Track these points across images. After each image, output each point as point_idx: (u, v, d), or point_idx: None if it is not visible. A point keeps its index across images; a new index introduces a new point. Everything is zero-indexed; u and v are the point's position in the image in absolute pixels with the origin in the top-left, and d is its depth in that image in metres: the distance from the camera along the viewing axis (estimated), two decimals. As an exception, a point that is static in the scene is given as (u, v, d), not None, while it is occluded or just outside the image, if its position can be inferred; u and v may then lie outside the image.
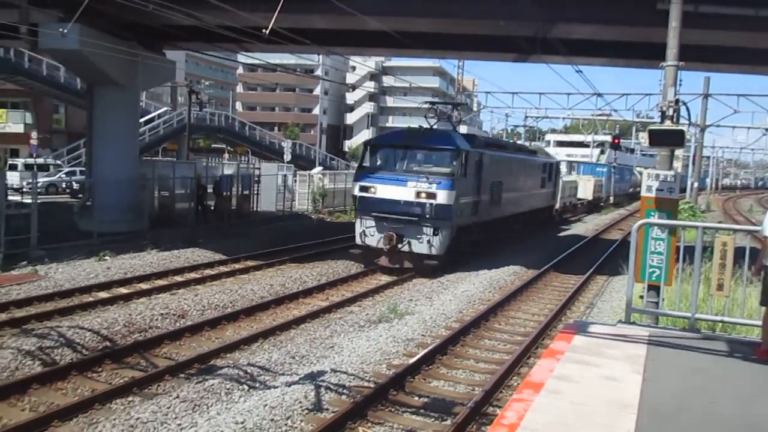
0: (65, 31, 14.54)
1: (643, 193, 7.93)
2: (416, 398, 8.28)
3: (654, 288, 7.65)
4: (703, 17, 14.72)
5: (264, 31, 12.21)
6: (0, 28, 17.21)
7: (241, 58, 36.58)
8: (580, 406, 4.64)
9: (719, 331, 7.45)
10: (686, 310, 7.41)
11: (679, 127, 7.52)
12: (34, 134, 34.71)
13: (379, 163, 17.66)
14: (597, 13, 16.29)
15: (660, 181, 7.68)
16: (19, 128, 40.27)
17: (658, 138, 7.52)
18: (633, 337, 6.43)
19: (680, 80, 8.11)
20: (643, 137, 8.01)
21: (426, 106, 21.51)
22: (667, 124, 7.55)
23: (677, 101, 7.60)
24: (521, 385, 5.11)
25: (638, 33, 17.36)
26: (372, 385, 8.36)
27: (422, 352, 9.70)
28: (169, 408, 7.48)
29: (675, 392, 5.06)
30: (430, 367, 9.46)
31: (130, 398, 7.88)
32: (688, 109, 7.90)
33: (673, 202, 7.77)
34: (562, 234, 28.81)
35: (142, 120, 33.49)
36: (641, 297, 8.02)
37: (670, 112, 7.53)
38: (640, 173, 60.44)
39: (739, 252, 6.65)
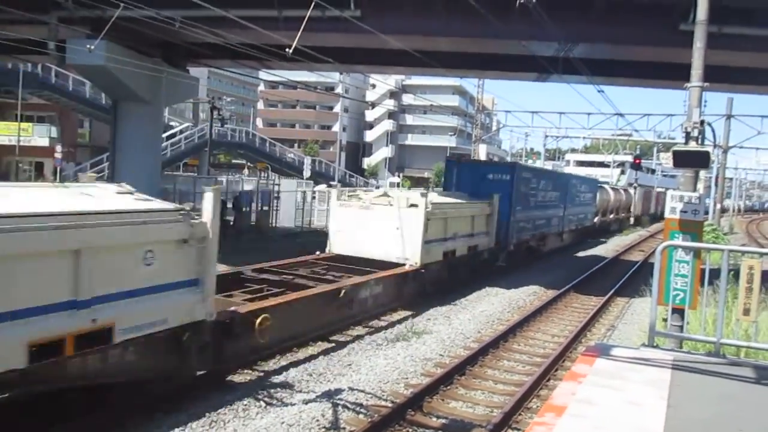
0: (92, 47, 14.83)
1: (667, 214, 7.83)
2: (434, 419, 8.19)
3: (678, 311, 7.52)
4: (727, 38, 14.66)
5: (287, 50, 12.36)
6: (29, 44, 17.59)
7: (263, 75, 37.02)
8: (603, 431, 4.55)
9: (744, 357, 7.29)
10: (710, 335, 7.28)
11: (705, 149, 7.43)
12: (58, 148, 35.36)
13: None
14: (619, 34, 16.29)
15: (684, 202, 7.59)
16: (45, 142, 40.97)
17: (683, 159, 7.43)
18: (657, 361, 6.31)
19: (705, 101, 8.03)
20: (665, 158, 7.91)
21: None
22: (692, 145, 7.47)
23: (702, 122, 7.52)
24: (543, 408, 5.03)
25: (660, 53, 17.34)
26: (389, 405, 8.29)
27: (440, 373, 9.61)
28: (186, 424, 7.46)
29: (701, 419, 4.94)
30: (448, 387, 9.36)
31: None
32: (713, 130, 7.82)
33: (698, 224, 7.66)
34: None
35: (164, 135, 33.94)
36: (664, 320, 7.88)
37: (695, 133, 7.45)
38: (611, 187, 40.14)
39: (766, 276, 6.52)
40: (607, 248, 31.73)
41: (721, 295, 6.47)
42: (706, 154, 7.30)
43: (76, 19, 17.19)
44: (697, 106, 7.57)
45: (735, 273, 6.73)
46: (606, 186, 39.27)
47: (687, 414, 4.99)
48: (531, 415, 8.54)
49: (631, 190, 46.22)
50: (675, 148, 7.61)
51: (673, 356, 6.56)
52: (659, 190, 55.11)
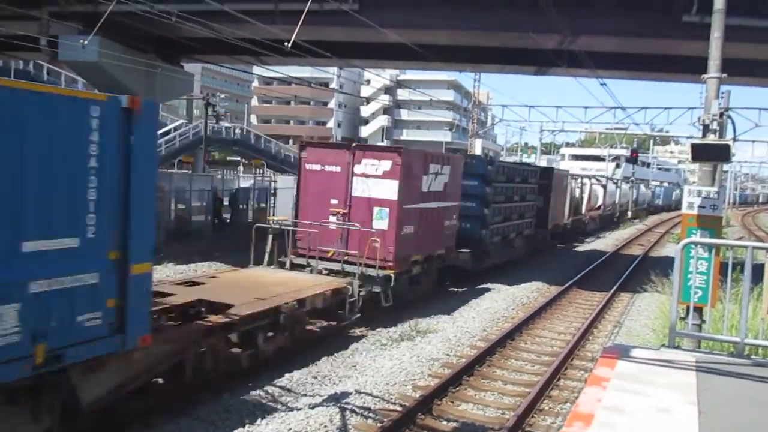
0: (85, 43, 14.48)
1: (685, 210, 7.59)
2: (445, 422, 7.95)
3: (697, 310, 7.29)
4: (731, 30, 14.39)
5: (286, 44, 12.05)
6: (21, 40, 17.21)
7: (257, 70, 36.57)
8: (635, 441, 4.31)
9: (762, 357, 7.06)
10: (730, 334, 7.05)
11: (725, 142, 7.18)
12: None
13: None
14: (621, 26, 16.03)
15: (702, 197, 7.34)
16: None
17: (702, 152, 7.18)
18: (680, 363, 6.07)
19: (723, 93, 7.69)
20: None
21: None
22: (711, 138, 7.23)
23: (721, 114, 7.28)
24: (570, 417, 4.78)
25: (662, 45, 17.08)
26: (398, 408, 8.04)
27: (448, 373, 9.38)
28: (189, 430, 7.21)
29: (736, 426, 4.71)
30: (458, 388, 9.12)
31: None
32: (733, 122, 7.58)
33: (717, 219, 7.42)
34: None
35: (158, 132, 33.47)
36: (681, 319, 7.64)
37: (714, 125, 7.21)
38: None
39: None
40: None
41: (744, 294, 6.24)
42: (727, 148, 7.04)
43: (68, 15, 16.78)
44: (715, 98, 7.34)
45: (742, 268, 6.53)
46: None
47: (720, 422, 4.76)
48: (544, 417, 8.32)
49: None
50: (693, 141, 7.36)
51: (696, 357, 6.32)
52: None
